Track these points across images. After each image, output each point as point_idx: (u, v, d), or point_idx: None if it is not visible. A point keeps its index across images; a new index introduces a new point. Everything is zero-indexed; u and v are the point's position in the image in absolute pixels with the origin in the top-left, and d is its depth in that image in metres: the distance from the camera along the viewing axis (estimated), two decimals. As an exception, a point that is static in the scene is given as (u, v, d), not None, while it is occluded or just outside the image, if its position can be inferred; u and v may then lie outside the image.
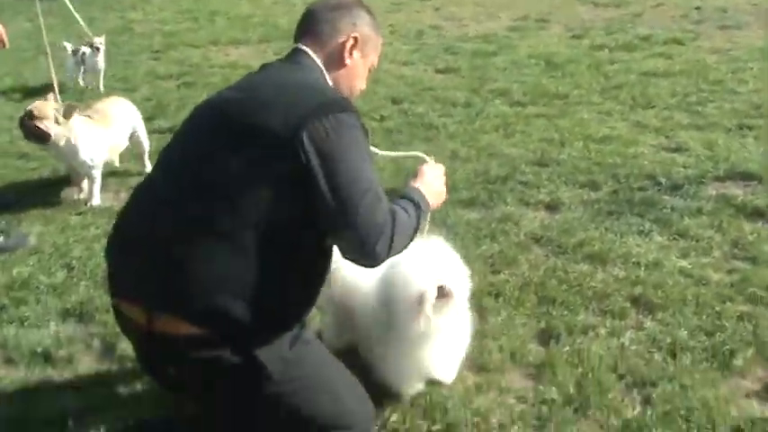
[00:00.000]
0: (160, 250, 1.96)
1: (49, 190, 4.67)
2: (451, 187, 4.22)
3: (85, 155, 4.33)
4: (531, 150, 4.92)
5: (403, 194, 2.19)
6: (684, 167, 4.48)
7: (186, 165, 2.05)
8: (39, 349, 2.90)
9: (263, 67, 2.21)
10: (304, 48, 2.16)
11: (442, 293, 2.33)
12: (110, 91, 6.79)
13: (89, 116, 4.47)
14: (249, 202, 1.91)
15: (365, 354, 2.59)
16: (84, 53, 6.88)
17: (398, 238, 2.02)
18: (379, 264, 2.04)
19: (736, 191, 4.13)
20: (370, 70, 2.30)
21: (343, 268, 2.58)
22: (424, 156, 2.46)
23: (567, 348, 2.82)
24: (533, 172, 4.55)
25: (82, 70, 7.03)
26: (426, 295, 2.31)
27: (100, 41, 6.96)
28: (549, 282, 3.28)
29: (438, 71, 7.23)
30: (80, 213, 4.29)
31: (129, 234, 2.10)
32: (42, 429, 2.47)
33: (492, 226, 3.85)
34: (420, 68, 7.36)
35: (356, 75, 2.23)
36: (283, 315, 2.02)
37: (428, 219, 2.32)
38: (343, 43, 2.16)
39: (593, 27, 8.53)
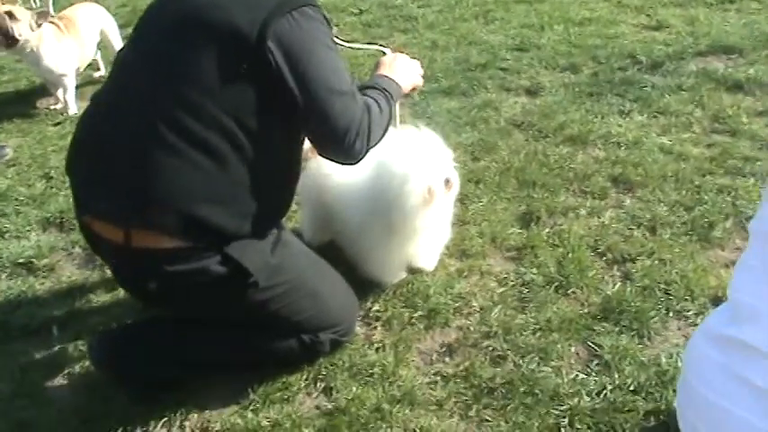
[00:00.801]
0: (129, 161, 1.89)
1: (25, 102, 4.59)
2: (431, 77, 4.22)
3: (51, 62, 4.22)
4: (511, 36, 4.82)
5: (371, 83, 2.14)
6: (665, 45, 4.40)
7: (148, 67, 1.96)
8: (20, 260, 2.89)
9: None
10: None
11: (447, 185, 2.34)
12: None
13: (54, 23, 4.34)
14: (217, 103, 1.84)
15: (348, 248, 2.58)
16: None
17: (374, 133, 1.99)
18: (358, 160, 2.01)
19: (717, 65, 4.07)
20: None
21: (318, 164, 2.54)
22: (383, 48, 2.41)
23: (548, 230, 2.82)
24: (514, 58, 4.47)
25: None
26: (435, 188, 2.30)
27: None
28: (529, 166, 3.26)
29: (416, -39, 7.01)
30: (57, 123, 4.23)
31: (91, 147, 2.02)
32: (27, 338, 2.48)
33: (472, 113, 3.81)
34: (398, -40, 7.13)
35: None
36: (262, 218, 2.00)
37: (398, 106, 2.31)
38: None
39: None
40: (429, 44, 4.81)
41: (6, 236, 3.08)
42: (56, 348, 2.41)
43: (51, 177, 3.53)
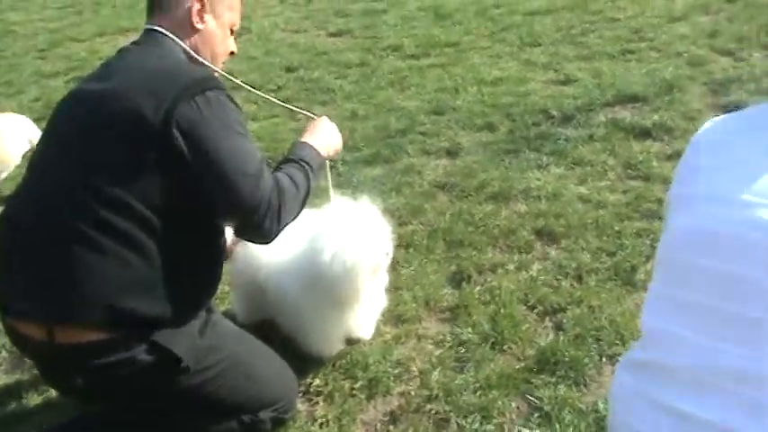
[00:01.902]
0: (47, 258, 1.89)
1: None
2: (353, 146, 4.29)
3: None
4: (428, 101, 4.95)
5: (290, 155, 2.18)
6: (574, 98, 4.58)
7: (60, 167, 1.96)
8: (-57, 370, 2.79)
9: (121, 52, 2.13)
10: (155, 27, 2.09)
11: (387, 257, 2.39)
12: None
13: None
14: (130, 193, 1.86)
15: (284, 324, 2.58)
16: None
17: (287, 211, 2.01)
18: (272, 239, 2.04)
19: (625, 113, 4.26)
20: (232, 30, 2.24)
21: (246, 246, 2.55)
22: (312, 114, 2.49)
23: (479, 288, 2.87)
24: (431, 121, 4.58)
25: None
26: (380, 266, 2.35)
27: None
28: (455, 226, 3.33)
29: (330, 35, 7.17)
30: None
31: (10, 247, 2.01)
32: (-47, 453, 2.40)
33: (396, 179, 3.88)
34: (313, 34, 7.27)
35: (214, 38, 2.17)
36: (188, 302, 2.00)
37: (328, 171, 2.39)
38: (189, 9, 2.09)
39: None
40: (348, 114, 4.90)
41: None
42: (-12, 460, 2.32)
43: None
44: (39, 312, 1.89)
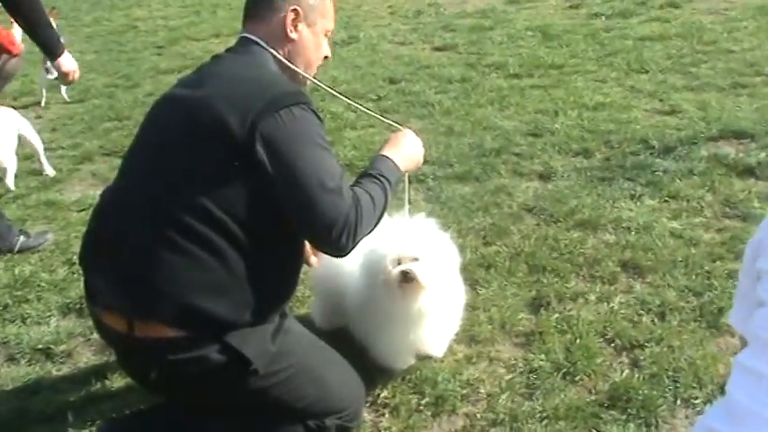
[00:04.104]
0: (132, 257, 1.99)
1: (50, 188, 4.70)
2: (446, 162, 4.31)
3: None
4: (526, 122, 4.92)
5: (369, 169, 2.20)
6: (677, 129, 4.46)
7: (150, 169, 2.07)
8: (40, 345, 2.95)
9: (215, 58, 2.22)
10: (250, 36, 2.16)
11: (407, 278, 2.34)
12: (113, 90, 6.79)
13: None
14: (213, 201, 1.93)
15: (357, 334, 2.62)
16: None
17: (363, 226, 2.03)
18: (347, 253, 2.06)
19: (729, 149, 4.11)
20: (326, 35, 2.27)
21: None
22: (398, 125, 2.51)
23: (557, 315, 2.84)
24: (527, 143, 4.55)
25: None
26: (391, 280, 2.34)
27: None
28: (540, 251, 3.30)
29: (436, 48, 7.21)
30: (81, 210, 4.32)
31: (99, 243, 2.12)
32: (43, 424, 2.52)
33: (485, 198, 3.87)
34: (418, 47, 7.34)
35: (308, 46, 2.20)
36: (262, 307, 2.05)
37: (407, 184, 2.42)
38: (284, 18, 2.13)
39: (591, -6, 8.45)
40: (445, 129, 4.92)
41: (28, 321, 3.15)
42: (69, 434, 2.44)
43: (73, 263, 3.59)
44: (120, 306, 2.00)
